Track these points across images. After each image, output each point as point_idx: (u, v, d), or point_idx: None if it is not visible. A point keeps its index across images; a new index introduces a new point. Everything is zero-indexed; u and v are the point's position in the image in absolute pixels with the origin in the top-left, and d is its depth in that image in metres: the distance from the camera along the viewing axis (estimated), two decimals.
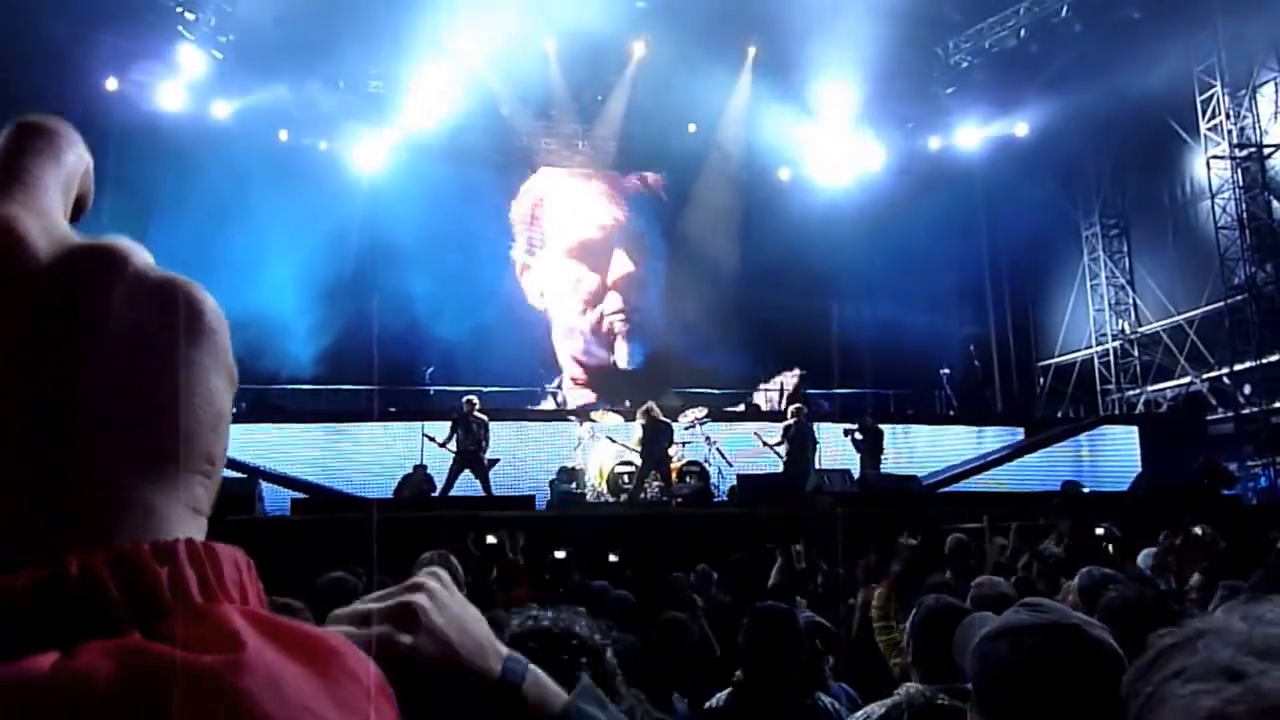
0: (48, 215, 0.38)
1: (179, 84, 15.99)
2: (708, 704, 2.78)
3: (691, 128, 19.07)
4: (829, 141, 18.70)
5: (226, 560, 0.34)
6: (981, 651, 1.43)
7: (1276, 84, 14.92)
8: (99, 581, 0.31)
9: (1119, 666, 1.34)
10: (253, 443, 12.08)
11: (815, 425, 11.94)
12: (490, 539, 5.95)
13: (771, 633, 2.62)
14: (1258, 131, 15.10)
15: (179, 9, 15.20)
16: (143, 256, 0.39)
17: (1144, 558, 6.15)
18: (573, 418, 13.18)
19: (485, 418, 11.32)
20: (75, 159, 0.42)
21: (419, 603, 0.78)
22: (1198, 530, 6.42)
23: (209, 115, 16.24)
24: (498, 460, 11.48)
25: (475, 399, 11.53)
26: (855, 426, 12.40)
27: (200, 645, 0.30)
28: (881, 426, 12.59)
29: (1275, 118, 14.95)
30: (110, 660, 0.29)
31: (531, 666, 0.85)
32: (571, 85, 18.33)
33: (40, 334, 0.35)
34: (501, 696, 0.81)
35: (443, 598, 0.80)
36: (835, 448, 12.35)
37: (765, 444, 11.74)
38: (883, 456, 12.41)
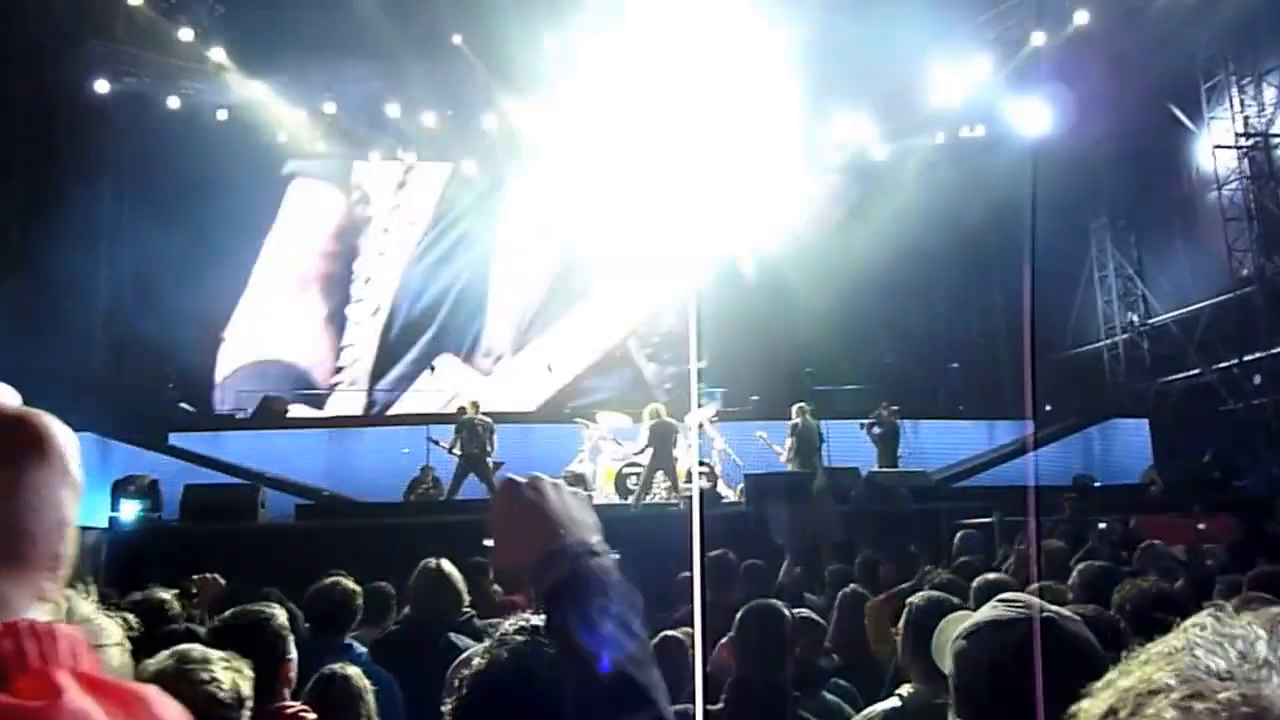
0: None
1: (172, 87, 15.99)
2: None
3: None
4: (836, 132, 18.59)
5: (61, 636, 0.45)
6: (958, 649, 1.43)
7: None
8: None
9: (1095, 659, 1.31)
10: (257, 449, 12.07)
11: (827, 421, 11.86)
12: (488, 542, 5.89)
13: (760, 630, 2.60)
14: (1264, 120, 14.96)
15: (170, 11, 15.16)
16: (8, 395, 0.51)
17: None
18: (578, 419, 13.12)
19: (490, 420, 11.28)
20: None
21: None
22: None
23: (204, 119, 16.19)
24: (502, 463, 11.44)
25: (480, 401, 11.50)
26: (873, 421, 12.31)
27: (33, 695, 0.41)
28: (898, 421, 12.50)
29: None
30: None
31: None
32: None
33: None
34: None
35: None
36: (848, 443, 12.28)
37: (774, 448, 11.67)
38: (899, 451, 12.33)
